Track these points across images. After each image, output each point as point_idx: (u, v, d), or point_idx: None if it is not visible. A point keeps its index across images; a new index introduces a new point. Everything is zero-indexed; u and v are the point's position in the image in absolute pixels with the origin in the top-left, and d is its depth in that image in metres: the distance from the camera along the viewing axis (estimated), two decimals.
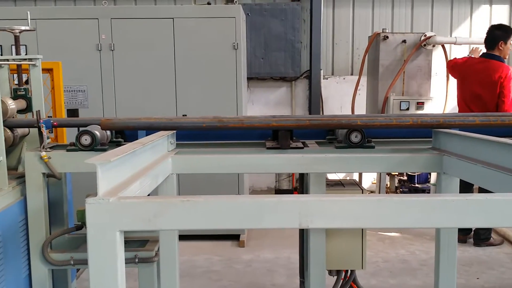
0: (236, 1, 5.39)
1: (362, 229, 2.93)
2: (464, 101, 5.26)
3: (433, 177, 6.48)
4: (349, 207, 1.43)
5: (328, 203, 1.42)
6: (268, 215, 1.42)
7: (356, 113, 6.64)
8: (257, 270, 4.73)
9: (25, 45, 4.91)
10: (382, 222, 1.47)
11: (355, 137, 2.69)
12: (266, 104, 7.42)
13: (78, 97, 5.16)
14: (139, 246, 2.95)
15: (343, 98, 7.27)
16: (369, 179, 7.28)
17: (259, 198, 1.43)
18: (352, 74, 7.44)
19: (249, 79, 6.86)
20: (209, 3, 5.56)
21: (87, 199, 1.34)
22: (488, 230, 5.27)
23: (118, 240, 1.38)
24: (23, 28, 3.03)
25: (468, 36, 7.33)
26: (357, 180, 4.75)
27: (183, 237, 2.82)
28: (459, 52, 7.29)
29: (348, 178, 6.35)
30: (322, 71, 6.98)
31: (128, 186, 1.60)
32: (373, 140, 2.77)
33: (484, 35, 5.31)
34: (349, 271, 3.23)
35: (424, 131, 2.80)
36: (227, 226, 1.44)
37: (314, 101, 6.05)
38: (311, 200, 1.42)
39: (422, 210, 1.45)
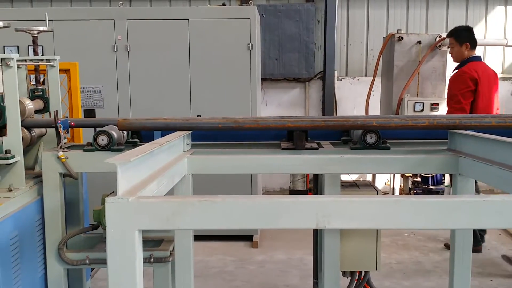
0: (251, 2, 5.40)
1: (377, 230, 2.92)
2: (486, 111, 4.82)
3: (447, 178, 6.43)
4: (366, 207, 1.43)
5: (346, 204, 1.42)
6: (285, 215, 1.42)
7: (370, 114, 6.62)
8: (270, 271, 4.73)
9: (42, 46, 4.96)
10: (400, 223, 1.47)
11: (370, 138, 2.69)
12: (280, 105, 7.42)
13: (94, 98, 5.20)
14: (154, 246, 2.97)
15: (357, 99, 7.25)
16: (382, 181, 7.25)
17: (277, 198, 1.44)
18: (366, 75, 7.42)
19: (262, 80, 6.87)
20: (224, 4, 5.58)
21: (107, 198, 1.36)
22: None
23: (137, 239, 1.40)
24: (41, 29, 3.06)
25: (483, 37, 7.27)
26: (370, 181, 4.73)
27: (196, 237, 2.84)
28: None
29: (361, 179, 6.34)
30: (336, 72, 6.97)
31: (146, 186, 1.62)
32: (388, 141, 2.77)
33: (469, 35, 4.99)
34: (363, 272, 3.22)
35: (439, 132, 2.79)
36: (244, 226, 1.45)
37: (328, 102, 6.00)
38: (328, 201, 1.42)
39: (439, 211, 1.45)
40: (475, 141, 2.40)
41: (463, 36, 4.93)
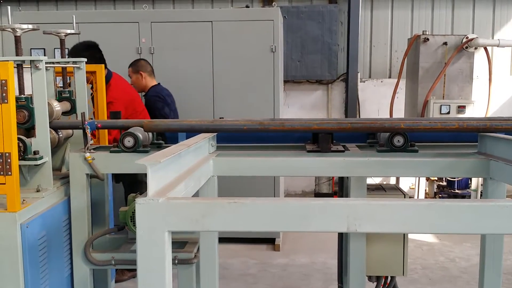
0: (274, 4, 5.39)
1: (404, 234, 2.87)
2: None
3: (474, 183, 6.32)
4: (398, 211, 1.41)
5: (377, 207, 1.40)
6: (316, 218, 1.41)
7: (394, 116, 6.54)
8: (293, 274, 4.70)
9: (68, 49, 5.02)
10: (432, 227, 1.44)
11: (397, 141, 2.65)
12: (302, 107, 7.39)
13: None
14: (178, 247, 2.96)
15: (380, 101, 7.17)
16: (406, 184, 7.15)
17: (307, 201, 1.42)
18: (390, 77, 7.34)
19: (284, 82, 6.84)
20: (247, 6, 5.58)
21: (137, 199, 1.36)
22: None
23: (167, 240, 1.40)
24: (68, 31, 3.09)
25: (511, 38, 7.13)
26: (396, 184, 4.67)
27: (219, 239, 2.85)
28: (502, 55, 7.10)
29: (384, 182, 6.27)
30: (359, 74, 6.91)
31: (174, 187, 1.61)
32: (415, 144, 2.72)
33: None
34: (389, 277, 3.17)
35: (468, 135, 2.73)
36: (273, 229, 1.44)
37: (351, 104, 5.94)
38: (360, 204, 1.40)
39: (473, 215, 1.42)
40: (507, 144, 2.35)
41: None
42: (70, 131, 3.12)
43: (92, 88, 3.36)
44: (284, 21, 6.33)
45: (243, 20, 5.13)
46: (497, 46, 6.25)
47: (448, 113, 5.81)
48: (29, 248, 2.36)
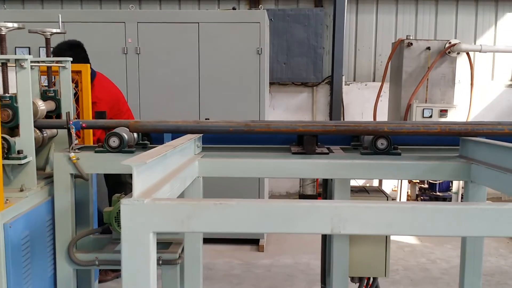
0: (261, 7, 5.42)
1: (386, 236, 2.90)
2: None
3: (455, 185, 6.41)
4: (382, 213, 1.43)
5: (362, 209, 1.42)
6: (301, 220, 1.42)
7: (378, 120, 6.61)
8: (277, 275, 4.72)
9: (53, 48, 4.97)
10: (416, 229, 1.46)
11: (381, 144, 2.68)
12: (287, 109, 7.42)
13: None
14: (163, 248, 2.96)
15: (364, 104, 7.24)
16: (389, 186, 7.23)
17: (292, 202, 1.44)
18: (374, 81, 7.41)
19: (270, 84, 6.88)
20: (234, 8, 5.60)
21: (123, 200, 1.36)
22: None
23: (152, 241, 1.40)
24: (54, 30, 3.08)
25: (493, 43, 7.25)
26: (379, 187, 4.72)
27: (203, 240, 2.87)
28: (484, 60, 7.22)
29: (367, 184, 6.32)
30: (344, 77, 6.97)
31: (160, 188, 1.62)
32: (398, 147, 2.76)
33: None
34: (371, 279, 3.20)
35: (450, 138, 2.77)
36: (259, 230, 1.45)
37: (335, 107, 5.99)
38: (344, 206, 1.42)
39: (456, 218, 1.44)
40: (488, 148, 2.39)
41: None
42: (54, 130, 3.09)
43: (76, 87, 3.35)
44: (270, 24, 6.36)
45: (230, 22, 5.15)
46: (479, 52, 6.36)
47: (431, 116, 5.89)
48: (12, 248, 2.34)
